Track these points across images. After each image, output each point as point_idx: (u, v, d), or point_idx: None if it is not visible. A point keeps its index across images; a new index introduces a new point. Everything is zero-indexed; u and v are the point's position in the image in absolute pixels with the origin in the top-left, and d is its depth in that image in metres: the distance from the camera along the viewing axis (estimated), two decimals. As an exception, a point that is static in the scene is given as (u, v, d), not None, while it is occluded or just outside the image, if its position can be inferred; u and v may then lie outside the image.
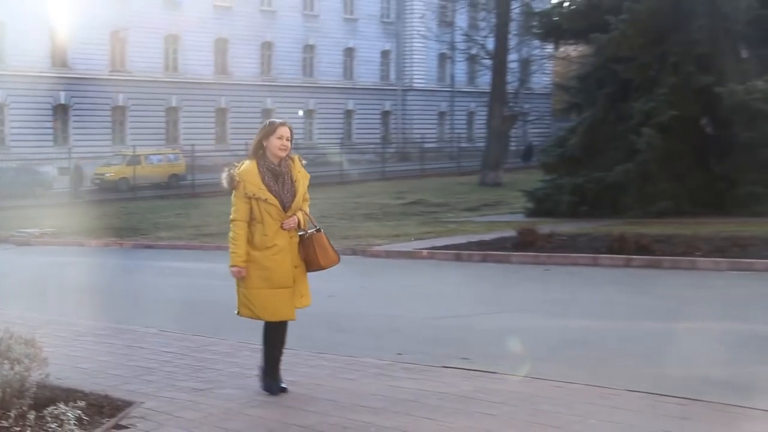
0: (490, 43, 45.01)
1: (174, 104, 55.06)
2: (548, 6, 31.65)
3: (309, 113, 60.34)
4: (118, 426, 6.61)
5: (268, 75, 59.16)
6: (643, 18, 23.44)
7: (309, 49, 60.90)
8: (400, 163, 54.68)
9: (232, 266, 7.15)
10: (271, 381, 7.46)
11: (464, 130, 64.90)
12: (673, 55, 23.61)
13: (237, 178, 7.06)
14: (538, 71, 57.00)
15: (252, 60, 58.45)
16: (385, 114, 64.67)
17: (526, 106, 56.25)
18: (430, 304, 13.06)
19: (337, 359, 8.89)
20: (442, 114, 66.45)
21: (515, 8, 42.68)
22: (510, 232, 19.03)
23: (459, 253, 18.20)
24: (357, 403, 7.19)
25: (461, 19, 58.30)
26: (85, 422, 6.42)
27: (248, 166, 7.15)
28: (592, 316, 11.44)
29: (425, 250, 18.92)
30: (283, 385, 7.46)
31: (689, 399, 7.04)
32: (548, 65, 57.94)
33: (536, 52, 51.53)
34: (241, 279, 7.23)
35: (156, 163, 45.53)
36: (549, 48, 42.01)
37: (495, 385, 7.71)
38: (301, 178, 7.23)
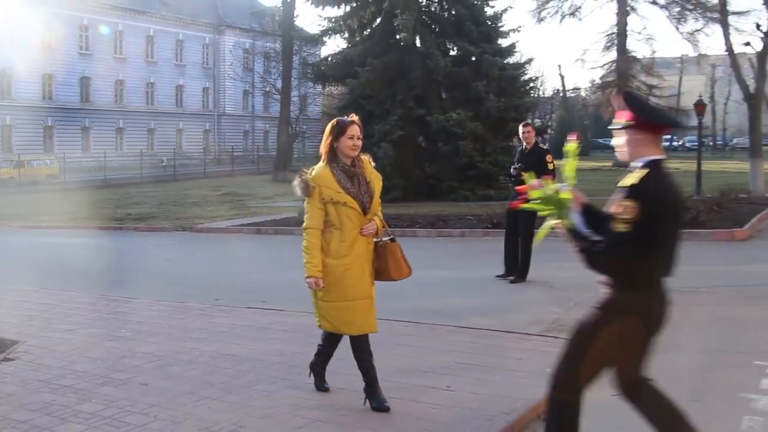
0: (279, 83, 44.76)
1: (50, 123, 51.60)
2: (318, 59, 31.57)
3: (150, 131, 58.09)
4: (6, 359, 6.20)
5: (121, 103, 56.41)
6: (380, 70, 23.91)
7: (150, 85, 58.54)
8: (216, 166, 53.53)
9: (308, 277, 4.85)
10: (321, 380, 5.27)
11: (261, 143, 64.02)
12: (399, 95, 24.19)
13: (312, 184, 4.80)
14: (311, 103, 56.94)
15: (108, 92, 55.51)
16: (206, 132, 63.07)
17: (304, 127, 56.07)
18: (238, 264, 12.90)
19: (171, 305, 8.64)
20: (246, 132, 65.44)
21: (296, 60, 42.53)
22: (294, 213, 19.00)
23: (258, 228, 18.03)
24: (186, 335, 7.02)
25: (259, 66, 57.75)
26: (-21, 357, 6.01)
27: (321, 170, 4.84)
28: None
29: (235, 227, 18.65)
30: (387, 404, 4.83)
31: (413, 322, 7.28)
32: (318, 99, 58.00)
33: (310, 90, 51.47)
34: (318, 291, 4.93)
35: (36, 167, 42.27)
36: (319, 87, 41.98)
37: (284, 318, 7.70)
38: (375, 178, 4.92)
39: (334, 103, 40.93)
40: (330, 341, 5.19)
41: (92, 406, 5.01)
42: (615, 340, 3.42)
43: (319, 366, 5.29)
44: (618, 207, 3.28)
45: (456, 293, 9.20)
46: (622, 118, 3.46)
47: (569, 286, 9.08)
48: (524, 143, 9.90)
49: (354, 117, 4.91)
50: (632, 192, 3.28)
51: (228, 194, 30.74)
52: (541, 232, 3.71)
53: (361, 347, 4.93)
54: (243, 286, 10.35)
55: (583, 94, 70.98)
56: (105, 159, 43.49)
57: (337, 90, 38.54)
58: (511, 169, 9.77)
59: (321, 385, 5.27)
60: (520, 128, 9.93)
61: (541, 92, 64.99)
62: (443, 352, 5.94)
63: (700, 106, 22.62)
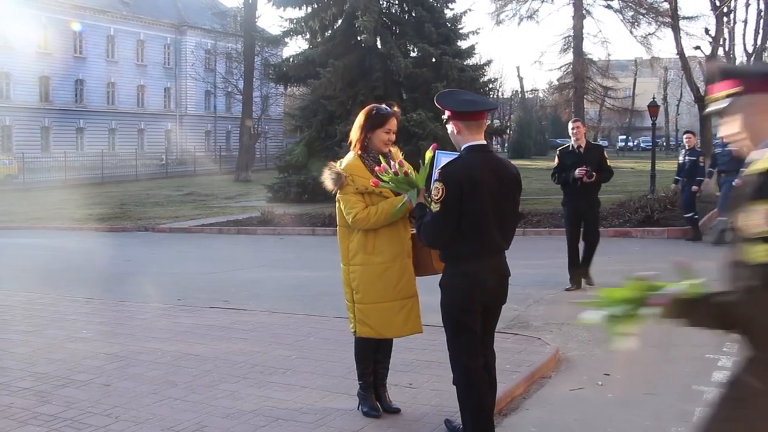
0: (241, 84, 44.48)
1: (8, 123, 50.32)
2: (280, 60, 31.41)
3: (112, 132, 57.16)
4: (-36, 362, 6.05)
5: (81, 103, 55.33)
6: (341, 71, 23.87)
7: (111, 85, 57.55)
8: (179, 166, 52.96)
9: (403, 203, 4.17)
10: (372, 403, 4.62)
11: (224, 143, 63.49)
12: (361, 95, 24.14)
13: (344, 173, 4.32)
14: (273, 104, 56.64)
15: (68, 92, 54.37)
16: (168, 131, 62.26)
17: (266, 127, 55.77)
18: (201, 264, 12.76)
19: (134, 305, 8.53)
20: (208, 132, 64.75)
21: (257, 61, 42.30)
22: (256, 213, 18.89)
23: (221, 228, 17.88)
24: (149, 335, 6.92)
25: (221, 67, 57.27)
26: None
27: (352, 160, 4.39)
28: (310, 268, 11.55)
29: (197, 227, 18.46)
30: (395, 406, 4.66)
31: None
32: (280, 100, 57.70)
33: (272, 90, 51.18)
34: (356, 292, 4.40)
35: (-7, 167, 41.60)
36: (281, 88, 41.83)
37: (246, 318, 7.64)
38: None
39: (296, 103, 40.90)
40: (367, 352, 4.56)
41: (53, 408, 4.91)
42: (454, 311, 3.87)
43: (366, 390, 4.65)
44: (433, 189, 3.67)
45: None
46: (445, 114, 3.85)
47: (529, 283, 9.15)
48: (574, 141, 9.02)
49: (395, 107, 4.57)
50: (439, 175, 3.67)
51: (190, 194, 30.40)
52: (397, 209, 4.18)
53: (387, 347, 4.66)
54: (205, 285, 10.24)
55: (540, 95, 71.78)
56: (65, 159, 42.76)
57: (298, 91, 38.46)
58: (577, 172, 8.72)
59: (371, 411, 4.59)
60: (570, 125, 9.07)
61: (500, 93, 65.54)
62: (405, 349, 5.94)
63: (653, 108, 23.03)
